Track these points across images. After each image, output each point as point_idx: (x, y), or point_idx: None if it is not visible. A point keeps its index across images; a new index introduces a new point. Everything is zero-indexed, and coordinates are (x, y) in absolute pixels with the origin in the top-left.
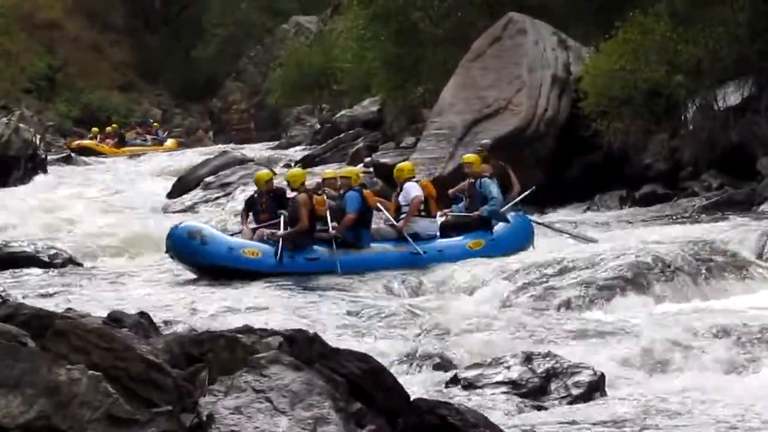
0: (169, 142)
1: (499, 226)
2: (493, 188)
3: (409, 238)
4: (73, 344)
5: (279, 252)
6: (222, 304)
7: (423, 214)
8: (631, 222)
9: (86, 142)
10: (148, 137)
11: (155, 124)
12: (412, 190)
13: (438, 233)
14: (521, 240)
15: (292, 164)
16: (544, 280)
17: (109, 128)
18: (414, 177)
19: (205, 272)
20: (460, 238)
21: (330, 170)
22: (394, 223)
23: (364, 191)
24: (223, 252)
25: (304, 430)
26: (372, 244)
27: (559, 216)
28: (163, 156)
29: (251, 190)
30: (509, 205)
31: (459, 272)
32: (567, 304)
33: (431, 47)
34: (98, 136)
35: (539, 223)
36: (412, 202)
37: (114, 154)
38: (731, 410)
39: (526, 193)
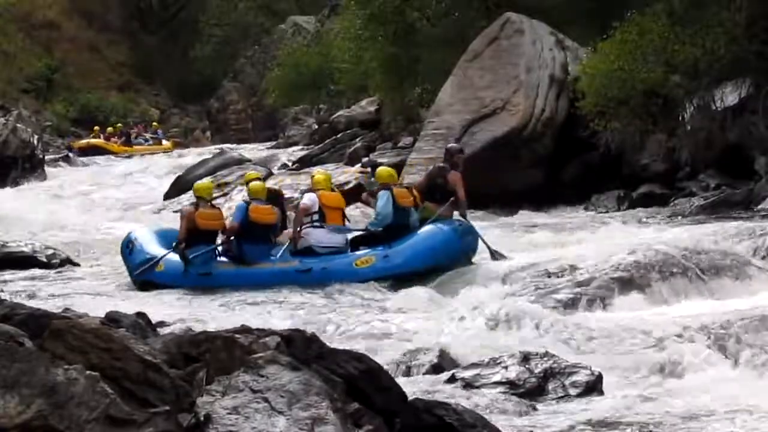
0: (165, 143)
1: (410, 240)
2: (380, 201)
3: (279, 248)
4: (70, 344)
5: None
6: (219, 304)
7: (316, 224)
8: (629, 222)
9: (95, 141)
10: (148, 137)
11: (154, 124)
12: (302, 200)
13: (343, 245)
14: (432, 255)
15: (290, 164)
16: (542, 279)
17: (110, 128)
18: (328, 188)
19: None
20: (353, 253)
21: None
22: (291, 235)
23: (254, 205)
24: (137, 263)
25: (302, 430)
26: (267, 260)
27: (554, 216)
28: (166, 155)
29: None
30: (436, 215)
31: (456, 272)
32: (564, 304)
33: (428, 47)
34: (101, 135)
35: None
36: (296, 213)
37: (123, 153)
38: (729, 410)
39: (443, 208)
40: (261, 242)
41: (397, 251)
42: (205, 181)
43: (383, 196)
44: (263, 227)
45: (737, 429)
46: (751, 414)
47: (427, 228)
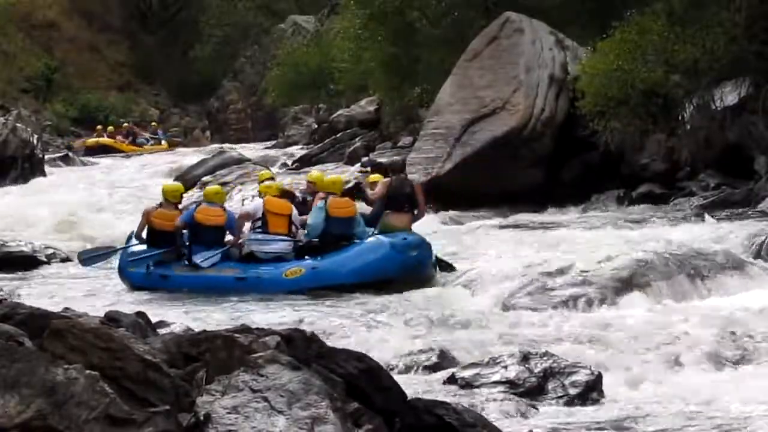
0: (163, 143)
1: (343, 253)
2: (312, 213)
3: (209, 252)
4: (70, 344)
5: (148, 265)
6: (219, 304)
7: (258, 230)
8: (629, 222)
9: (105, 140)
10: (148, 136)
11: (153, 123)
12: (246, 206)
13: (287, 252)
14: (361, 269)
15: (289, 164)
16: (542, 279)
17: (110, 128)
18: (277, 195)
19: None
20: (285, 263)
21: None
22: (235, 239)
23: (201, 207)
24: (120, 265)
25: (302, 429)
26: (217, 265)
27: (557, 216)
28: (171, 155)
29: (249, 189)
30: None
31: (455, 272)
32: (564, 304)
33: (428, 47)
34: (104, 135)
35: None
36: (238, 218)
37: (132, 152)
38: (729, 410)
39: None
40: (209, 244)
41: (326, 263)
42: (175, 183)
43: (317, 208)
44: (209, 229)
45: (737, 427)
46: (751, 412)
47: (368, 241)
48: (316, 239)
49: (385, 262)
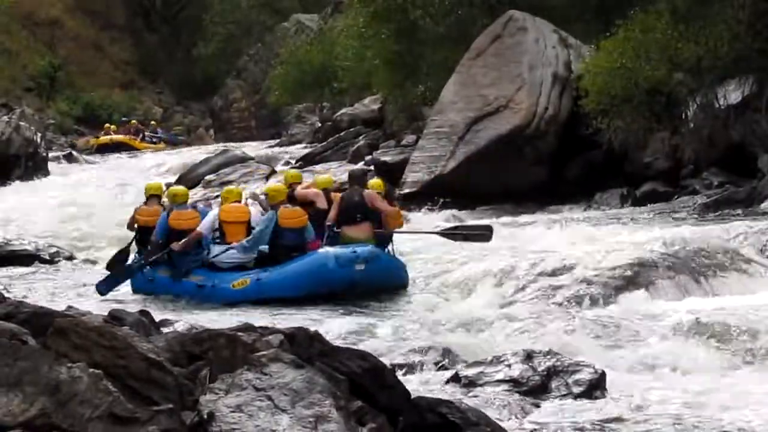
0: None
1: (288, 266)
2: (261, 223)
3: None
4: (73, 342)
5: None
6: (221, 303)
7: (218, 240)
8: (632, 220)
9: (117, 137)
10: (148, 134)
11: (152, 122)
12: (204, 221)
13: (248, 261)
14: (300, 283)
15: (293, 162)
16: (546, 277)
17: (113, 126)
18: (238, 200)
19: None
20: (235, 274)
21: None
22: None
23: (175, 211)
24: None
25: (305, 428)
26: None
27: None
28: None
29: (252, 188)
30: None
31: (459, 271)
32: (568, 302)
33: (432, 45)
34: (110, 132)
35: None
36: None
37: (146, 149)
38: (732, 409)
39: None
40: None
41: (270, 275)
42: (157, 180)
43: (264, 220)
44: (185, 234)
45: (740, 425)
46: (754, 410)
47: (315, 253)
48: (262, 250)
49: (327, 275)
